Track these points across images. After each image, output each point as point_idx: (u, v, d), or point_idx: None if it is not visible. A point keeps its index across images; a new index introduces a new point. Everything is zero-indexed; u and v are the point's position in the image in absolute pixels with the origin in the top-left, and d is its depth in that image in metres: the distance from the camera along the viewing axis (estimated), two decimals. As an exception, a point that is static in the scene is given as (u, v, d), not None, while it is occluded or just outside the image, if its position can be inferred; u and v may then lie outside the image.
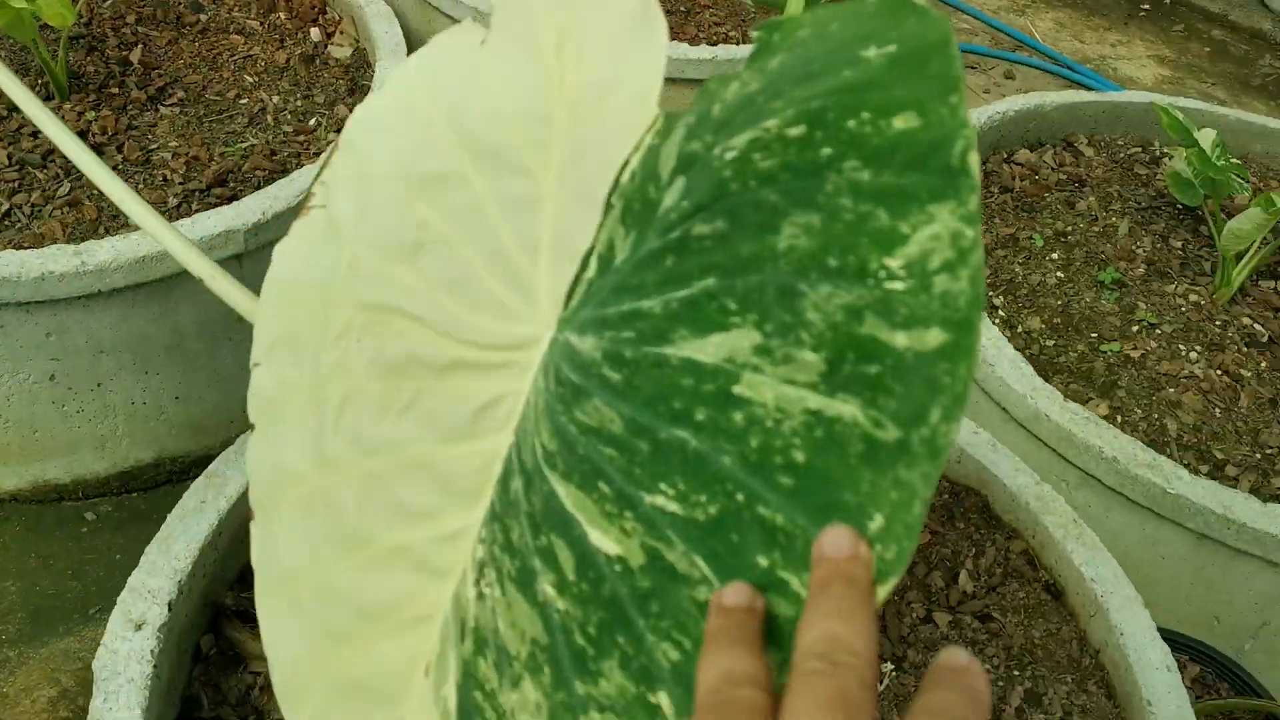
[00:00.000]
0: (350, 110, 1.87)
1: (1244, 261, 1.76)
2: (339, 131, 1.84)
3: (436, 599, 0.54)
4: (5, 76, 0.74)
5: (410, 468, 0.55)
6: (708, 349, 0.43)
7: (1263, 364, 1.69)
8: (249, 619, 1.15)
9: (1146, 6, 3.81)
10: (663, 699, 0.43)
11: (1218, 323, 1.74)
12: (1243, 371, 1.66)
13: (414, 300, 0.57)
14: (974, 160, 0.38)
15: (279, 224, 1.55)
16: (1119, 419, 1.55)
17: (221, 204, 1.61)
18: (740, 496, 0.41)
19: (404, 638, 0.54)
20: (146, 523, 1.73)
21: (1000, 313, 1.70)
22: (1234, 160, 1.74)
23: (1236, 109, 2.64)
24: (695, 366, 0.43)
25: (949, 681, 0.38)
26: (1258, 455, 1.55)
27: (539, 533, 0.48)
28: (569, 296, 0.52)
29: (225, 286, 0.69)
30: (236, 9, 2.01)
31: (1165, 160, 2.10)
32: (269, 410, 0.60)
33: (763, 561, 0.41)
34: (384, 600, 0.55)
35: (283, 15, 2.01)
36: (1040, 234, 1.88)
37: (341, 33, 1.99)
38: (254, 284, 1.61)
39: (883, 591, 0.39)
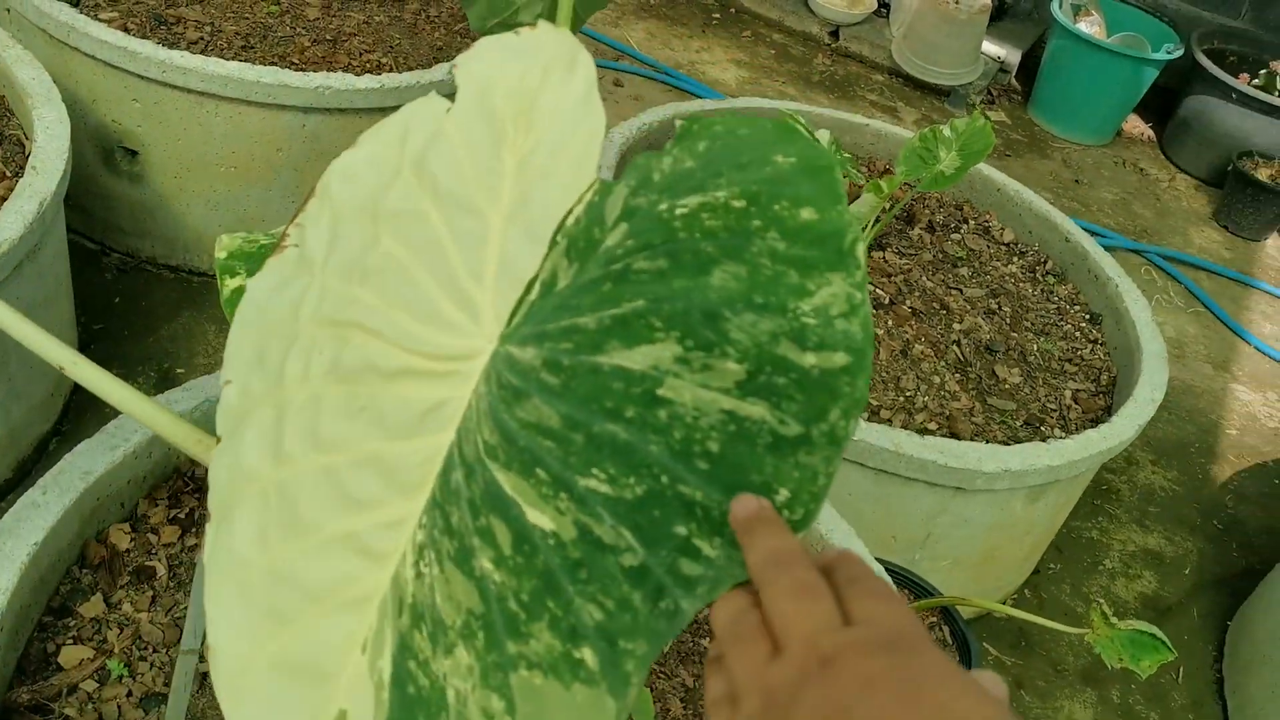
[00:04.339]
0: (-1, 160, 1.75)
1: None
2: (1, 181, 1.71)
3: (376, 582, 0.59)
4: None
5: (360, 462, 0.61)
6: (635, 357, 0.52)
7: (889, 322, 2.02)
8: (45, 711, 1.10)
9: (717, 15, 4.25)
10: (586, 653, 0.50)
11: (850, 292, 2.06)
12: (876, 330, 1.98)
13: (372, 316, 0.63)
14: (861, 249, 0.51)
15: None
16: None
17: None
18: (664, 479, 0.50)
19: (344, 617, 0.59)
20: None
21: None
22: (845, 154, 2.06)
23: (807, 104, 3.06)
24: (624, 372, 0.52)
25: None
26: (901, 399, 1.87)
27: (478, 515, 0.55)
28: (512, 316, 0.61)
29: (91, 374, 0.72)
30: None
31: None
32: (234, 421, 0.64)
33: (681, 530, 0.50)
34: (327, 582, 0.60)
35: (-106, 62, 1.82)
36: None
37: (-28, 80, 1.84)
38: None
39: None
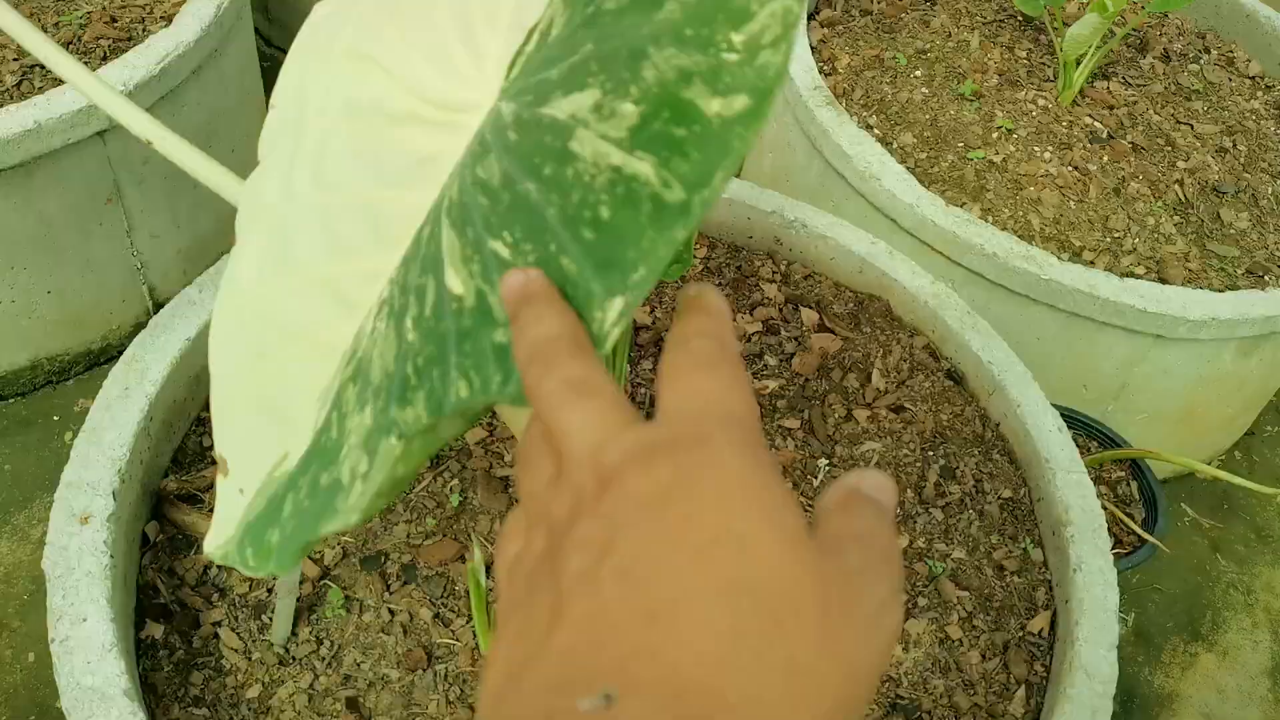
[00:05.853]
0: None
1: (1082, 65, 1.88)
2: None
3: (343, 333, 0.57)
4: None
5: (352, 207, 0.59)
6: (564, 106, 0.45)
7: (1104, 157, 1.82)
8: (195, 501, 1.14)
9: None
10: (444, 431, 0.47)
11: (1064, 123, 1.86)
12: (1089, 166, 1.79)
13: (391, 55, 0.60)
14: None
15: (141, 95, 1.46)
16: (990, 219, 1.65)
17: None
18: (553, 246, 0.43)
19: (311, 363, 0.58)
20: (32, 428, 1.65)
21: (875, 130, 1.77)
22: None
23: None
24: (553, 123, 0.45)
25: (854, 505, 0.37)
26: (1108, 239, 1.69)
27: (423, 273, 0.51)
28: (510, 67, 0.55)
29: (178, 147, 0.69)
30: None
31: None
32: (266, 149, 0.64)
33: None
34: (303, 323, 0.59)
35: None
36: (902, 53, 1.94)
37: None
38: (122, 163, 1.51)
39: (623, 324, 0.42)
